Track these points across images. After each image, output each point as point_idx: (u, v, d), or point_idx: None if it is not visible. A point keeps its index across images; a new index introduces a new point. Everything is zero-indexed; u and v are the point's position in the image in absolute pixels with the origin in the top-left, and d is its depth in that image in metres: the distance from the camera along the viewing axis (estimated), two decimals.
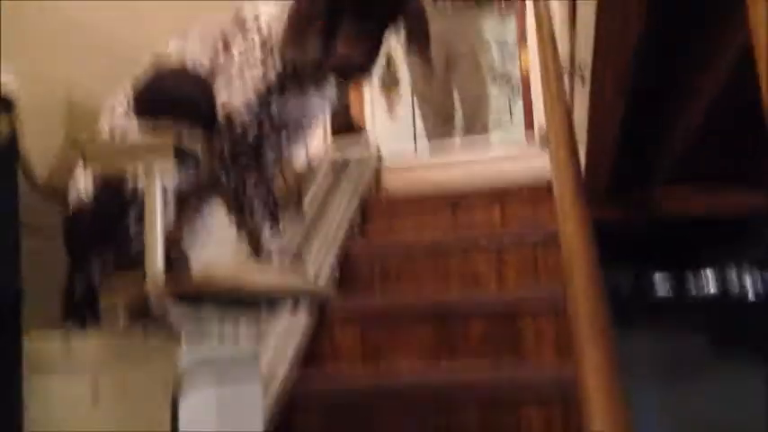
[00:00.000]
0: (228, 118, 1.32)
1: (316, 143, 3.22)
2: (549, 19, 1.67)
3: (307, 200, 2.80)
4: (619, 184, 2.24)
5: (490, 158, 3.28)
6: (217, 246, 1.49)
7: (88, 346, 1.20)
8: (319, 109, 1.44)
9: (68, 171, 1.37)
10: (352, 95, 6.07)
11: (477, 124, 3.95)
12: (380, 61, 5.11)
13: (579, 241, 0.75)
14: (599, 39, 1.11)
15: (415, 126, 5.67)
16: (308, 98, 1.38)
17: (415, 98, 4.51)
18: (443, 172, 3.21)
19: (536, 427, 1.68)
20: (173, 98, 1.38)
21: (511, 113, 5.88)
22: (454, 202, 2.75)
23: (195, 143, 1.18)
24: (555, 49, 1.48)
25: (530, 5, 3.26)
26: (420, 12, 1.44)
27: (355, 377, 2.01)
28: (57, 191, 1.38)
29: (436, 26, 3.93)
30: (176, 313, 1.12)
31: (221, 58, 1.38)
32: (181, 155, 1.13)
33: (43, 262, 1.40)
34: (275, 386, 1.85)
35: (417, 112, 4.59)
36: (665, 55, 1.22)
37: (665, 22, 1.07)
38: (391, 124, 5.97)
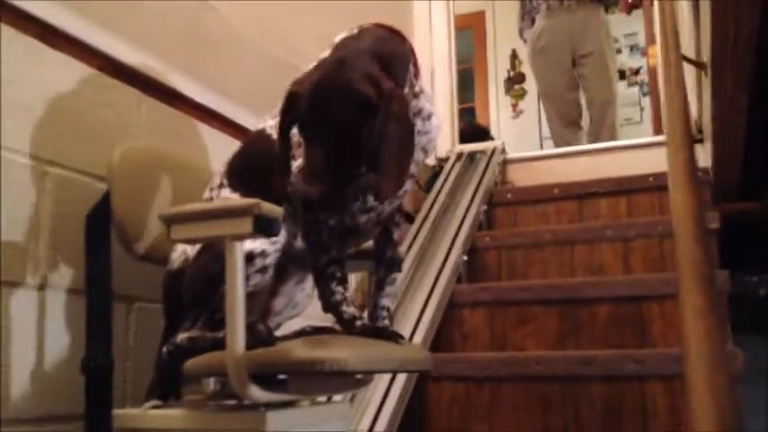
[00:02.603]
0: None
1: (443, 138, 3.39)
2: (673, 12, 1.73)
3: (434, 195, 2.97)
4: (750, 179, 2.22)
5: (617, 147, 3.31)
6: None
7: (172, 419, 1.17)
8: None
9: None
10: (478, 99, 6.20)
11: (604, 131, 3.88)
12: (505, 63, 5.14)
13: (687, 208, 0.85)
14: (716, 32, 1.19)
15: (541, 130, 5.71)
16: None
17: (541, 99, 4.49)
18: (569, 162, 3.28)
19: (660, 400, 1.76)
20: (258, 169, 1.29)
21: (641, 108, 5.78)
22: (580, 192, 2.82)
23: (278, 211, 1.10)
24: (676, 40, 1.54)
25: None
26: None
27: (484, 359, 2.15)
28: (157, 256, 1.34)
29: (561, 22, 4.00)
30: (257, 392, 1.07)
31: None
32: (261, 222, 1.05)
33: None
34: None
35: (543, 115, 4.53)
36: None
37: None
38: (517, 128, 6.03)
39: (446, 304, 2.30)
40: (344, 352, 1.08)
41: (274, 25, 2.23)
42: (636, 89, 5.82)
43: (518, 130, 5.95)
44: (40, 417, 1.30)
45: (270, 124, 1.32)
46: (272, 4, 2.22)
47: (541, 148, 5.50)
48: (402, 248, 2.55)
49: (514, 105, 6.22)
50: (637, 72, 5.82)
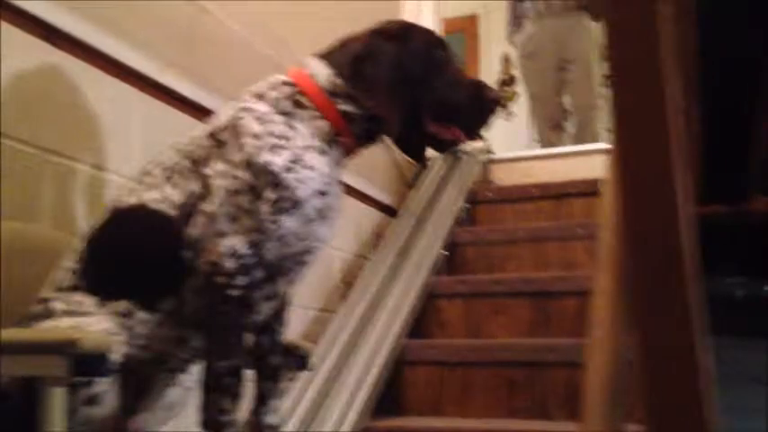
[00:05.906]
0: (212, 269, 1.04)
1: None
2: None
3: (418, 190, 3.10)
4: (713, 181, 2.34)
5: (594, 151, 3.45)
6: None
7: None
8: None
9: None
10: None
11: (587, 134, 4.02)
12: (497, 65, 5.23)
13: (613, 206, 0.96)
14: None
15: (530, 132, 5.82)
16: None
17: (529, 101, 4.63)
18: (549, 164, 3.42)
19: None
20: (135, 259, 1.10)
21: None
22: (557, 192, 2.95)
23: (106, 344, 0.89)
24: None
25: None
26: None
27: (456, 345, 2.28)
28: None
29: (549, 28, 4.13)
30: None
31: (195, 189, 1.09)
32: (83, 363, 0.84)
33: None
34: (384, 352, 2.12)
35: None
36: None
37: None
38: (508, 130, 6.14)
39: (425, 295, 2.44)
40: None
41: (267, 26, 2.36)
42: None
43: (509, 132, 6.06)
44: None
45: (153, 197, 1.10)
46: (264, 6, 2.35)
47: (531, 149, 5.62)
48: (384, 241, 2.72)
49: (505, 107, 6.34)
50: None
